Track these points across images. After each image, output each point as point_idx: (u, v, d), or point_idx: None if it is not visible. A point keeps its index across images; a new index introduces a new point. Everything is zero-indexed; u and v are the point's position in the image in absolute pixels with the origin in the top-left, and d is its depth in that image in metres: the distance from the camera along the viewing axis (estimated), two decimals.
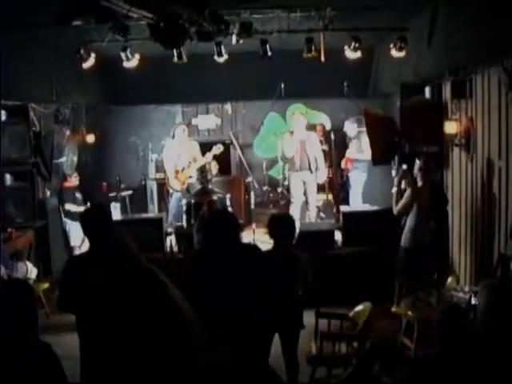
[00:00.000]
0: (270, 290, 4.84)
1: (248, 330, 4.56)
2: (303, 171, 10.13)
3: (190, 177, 10.42)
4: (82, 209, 9.81)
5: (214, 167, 11.43)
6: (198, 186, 9.28)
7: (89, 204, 9.10)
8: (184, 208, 8.40)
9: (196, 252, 5.87)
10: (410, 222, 7.35)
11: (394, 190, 7.64)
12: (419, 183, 7.34)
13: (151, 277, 2.56)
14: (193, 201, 8.14)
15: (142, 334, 2.36)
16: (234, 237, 4.75)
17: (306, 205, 10.27)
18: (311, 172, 10.09)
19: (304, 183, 10.17)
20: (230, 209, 8.23)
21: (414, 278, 7.21)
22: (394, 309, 7.02)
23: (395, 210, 7.55)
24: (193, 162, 10.32)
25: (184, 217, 8.34)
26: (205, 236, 4.98)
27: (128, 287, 2.52)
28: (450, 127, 7.91)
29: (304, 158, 10.12)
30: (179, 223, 9.55)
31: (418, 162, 7.40)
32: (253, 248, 5.15)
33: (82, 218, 4.80)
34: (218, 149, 10.59)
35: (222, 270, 4.53)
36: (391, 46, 8.88)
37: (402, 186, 7.68)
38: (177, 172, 10.40)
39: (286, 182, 11.34)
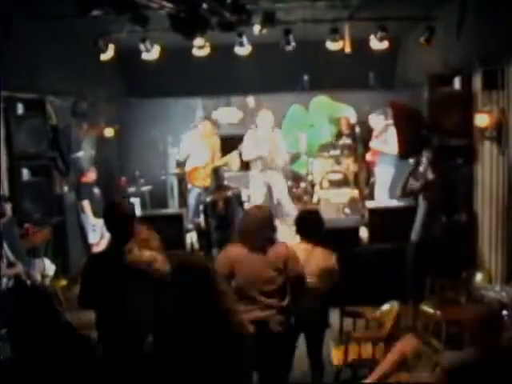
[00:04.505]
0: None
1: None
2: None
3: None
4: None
5: (235, 162, 11.44)
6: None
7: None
8: (201, 207, 8.48)
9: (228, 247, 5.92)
10: (419, 216, 7.39)
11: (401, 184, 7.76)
12: (429, 176, 7.37)
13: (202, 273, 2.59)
14: (208, 199, 8.19)
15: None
16: (267, 234, 4.82)
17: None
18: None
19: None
20: (246, 204, 8.27)
21: (425, 274, 7.23)
22: (423, 307, 6.98)
23: (400, 191, 7.63)
24: (216, 159, 10.36)
25: (202, 216, 8.42)
26: (240, 230, 5.02)
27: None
28: (481, 119, 7.82)
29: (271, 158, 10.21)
30: (200, 219, 9.56)
31: (427, 156, 7.45)
32: (284, 247, 5.14)
33: (105, 213, 4.86)
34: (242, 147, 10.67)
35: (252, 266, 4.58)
36: (418, 35, 8.81)
37: (411, 181, 7.74)
38: (198, 167, 10.42)
39: (310, 177, 11.33)
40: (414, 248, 7.40)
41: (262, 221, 4.91)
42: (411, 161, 8.40)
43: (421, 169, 7.67)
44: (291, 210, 10.07)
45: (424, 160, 7.52)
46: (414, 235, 7.41)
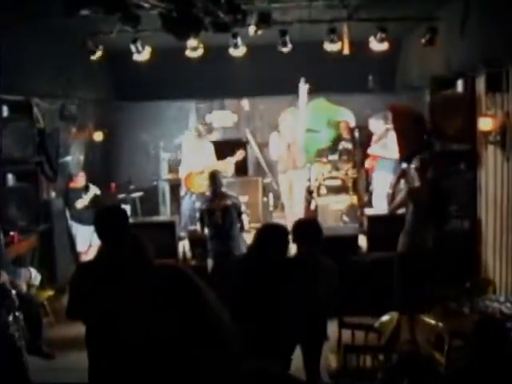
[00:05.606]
0: (301, 302, 4.88)
1: (278, 341, 4.62)
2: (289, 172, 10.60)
3: None
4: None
5: (230, 168, 11.42)
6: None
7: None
8: (197, 215, 8.45)
9: (238, 259, 5.98)
10: (406, 224, 7.36)
11: (390, 191, 7.75)
12: (416, 183, 7.40)
13: (186, 278, 2.57)
14: (204, 207, 8.14)
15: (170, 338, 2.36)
16: (281, 252, 4.84)
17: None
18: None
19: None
20: (244, 214, 8.25)
21: (412, 288, 7.20)
22: (425, 318, 6.95)
23: (389, 208, 7.66)
24: (210, 164, 10.36)
25: (198, 224, 8.41)
26: (256, 247, 5.01)
27: (161, 289, 2.54)
28: (484, 123, 7.82)
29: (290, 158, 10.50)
30: (193, 227, 9.52)
31: (415, 163, 7.50)
32: (296, 263, 5.17)
33: (96, 220, 4.76)
34: (239, 154, 10.66)
35: (263, 281, 4.58)
36: (420, 36, 8.82)
37: (401, 186, 7.77)
38: (194, 173, 10.41)
39: (308, 183, 11.32)
40: (398, 259, 7.37)
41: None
42: (403, 166, 8.41)
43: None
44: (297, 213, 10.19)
45: (412, 168, 7.58)
46: (400, 245, 7.38)
